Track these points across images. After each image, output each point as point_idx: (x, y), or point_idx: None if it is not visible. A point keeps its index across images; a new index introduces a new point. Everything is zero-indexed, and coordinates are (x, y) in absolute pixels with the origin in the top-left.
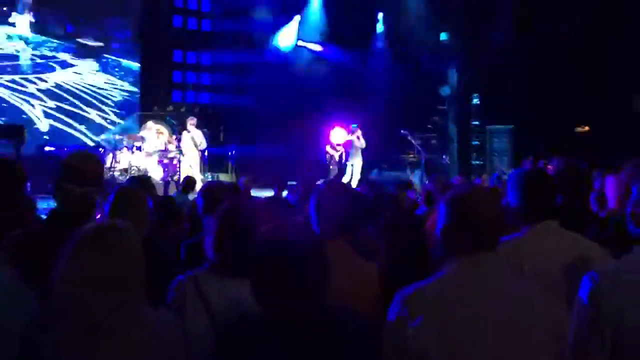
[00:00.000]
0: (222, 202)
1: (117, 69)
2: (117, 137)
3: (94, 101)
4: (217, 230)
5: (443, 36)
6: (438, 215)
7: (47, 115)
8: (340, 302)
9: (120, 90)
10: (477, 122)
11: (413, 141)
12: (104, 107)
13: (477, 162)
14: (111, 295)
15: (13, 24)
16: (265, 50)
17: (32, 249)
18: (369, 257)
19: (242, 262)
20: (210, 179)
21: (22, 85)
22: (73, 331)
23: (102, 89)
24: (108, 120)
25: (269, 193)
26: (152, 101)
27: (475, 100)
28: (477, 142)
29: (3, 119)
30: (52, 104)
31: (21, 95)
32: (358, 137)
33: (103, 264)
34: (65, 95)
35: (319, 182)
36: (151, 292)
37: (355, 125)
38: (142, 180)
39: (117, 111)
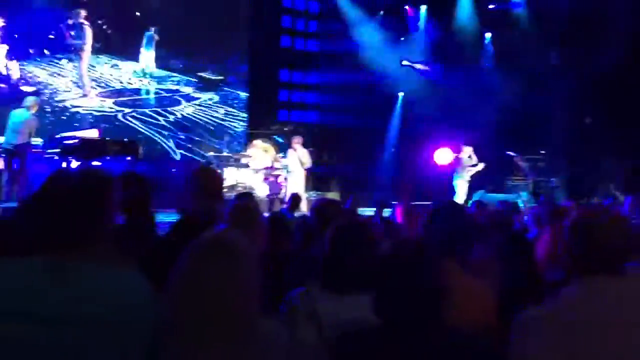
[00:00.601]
0: (334, 218)
1: (235, 101)
2: (225, 153)
3: (218, 131)
4: (330, 247)
5: (553, 57)
6: (561, 238)
7: (178, 145)
8: (454, 321)
9: (240, 120)
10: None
11: (520, 163)
12: (226, 137)
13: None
14: (230, 304)
15: (137, 59)
16: (370, 71)
17: (159, 257)
18: (480, 278)
19: (355, 279)
20: (313, 198)
21: (154, 118)
22: (189, 339)
23: (224, 120)
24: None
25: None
26: (258, 120)
27: (588, 122)
28: (586, 167)
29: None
30: (182, 135)
31: (154, 128)
32: (470, 156)
33: (222, 272)
34: (192, 126)
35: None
36: (265, 305)
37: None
38: (248, 197)
39: (240, 140)
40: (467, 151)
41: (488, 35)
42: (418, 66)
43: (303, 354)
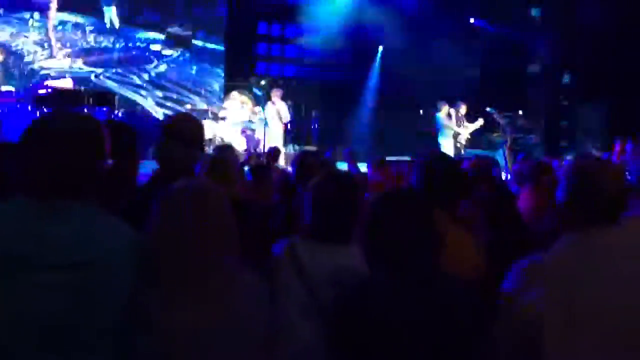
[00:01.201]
0: (315, 170)
1: (207, 55)
2: (205, 107)
3: (195, 87)
4: (315, 195)
5: (534, 12)
6: (559, 186)
7: (158, 104)
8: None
9: (216, 75)
10: (566, 103)
11: (499, 120)
12: (203, 91)
13: (564, 144)
14: (208, 249)
15: (101, 17)
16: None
17: (138, 206)
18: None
19: (340, 229)
20: (292, 152)
21: (128, 78)
22: (170, 286)
23: (198, 76)
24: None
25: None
26: (236, 72)
27: (566, 79)
28: (565, 122)
29: (122, 110)
30: (160, 93)
31: (131, 87)
32: (449, 115)
33: (197, 217)
34: (167, 85)
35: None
36: (245, 256)
37: (442, 101)
38: (227, 149)
39: (217, 96)
40: (445, 109)
41: None
42: None
43: (286, 301)
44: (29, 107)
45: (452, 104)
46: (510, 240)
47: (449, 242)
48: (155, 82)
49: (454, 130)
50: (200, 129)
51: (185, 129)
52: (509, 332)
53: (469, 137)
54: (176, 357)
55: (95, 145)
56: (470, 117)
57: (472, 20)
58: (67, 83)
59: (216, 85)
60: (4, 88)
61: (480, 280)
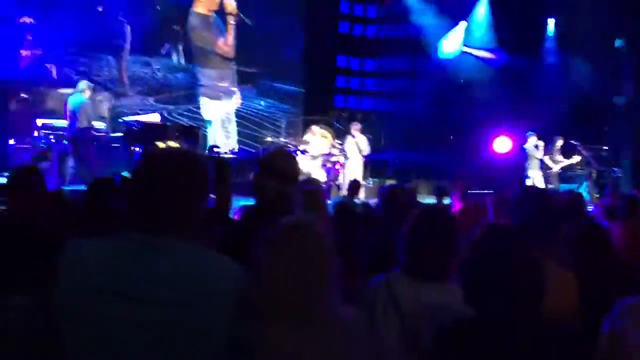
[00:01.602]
0: (404, 204)
1: (277, 92)
2: (283, 140)
3: (266, 124)
4: (411, 233)
5: (618, 42)
6: None
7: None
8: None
9: (282, 111)
10: None
11: (583, 152)
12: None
13: None
14: (311, 286)
15: (169, 56)
16: (429, 57)
17: (235, 242)
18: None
19: (437, 266)
20: (371, 185)
21: (199, 114)
22: (277, 319)
23: (269, 112)
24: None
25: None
26: (315, 106)
27: None
28: None
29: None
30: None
31: (203, 123)
32: (536, 146)
33: (304, 254)
34: (238, 119)
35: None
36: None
37: (531, 132)
38: (314, 183)
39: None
40: (532, 140)
41: (551, 20)
42: (478, 52)
43: (385, 340)
44: (117, 144)
45: (547, 137)
46: (608, 279)
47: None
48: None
49: (540, 162)
50: (295, 164)
51: (281, 164)
52: None
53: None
54: None
55: (200, 182)
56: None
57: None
58: (154, 118)
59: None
60: (96, 124)
61: (576, 319)
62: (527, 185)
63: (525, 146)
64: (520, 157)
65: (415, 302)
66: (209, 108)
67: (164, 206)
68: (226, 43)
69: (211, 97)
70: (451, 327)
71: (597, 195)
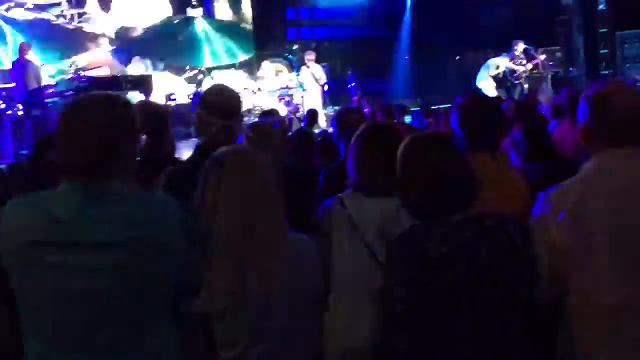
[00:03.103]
0: (357, 126)
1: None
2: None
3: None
4: (359, 150)
5: None
6: (578, 114)
7: None
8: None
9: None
10: (604, 30)
11: (537, 55)
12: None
13: (606, 72)
14: (258, 212)
15: None
16: None
17: (184, 181)
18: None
19: (385, 180)
20: (331, 113)
21: None
22: (219, 252)
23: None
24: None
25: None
26: (267, 41)
27: (602, 6)
28: (605, 51)
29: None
30: None
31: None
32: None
33: (245, 181)
34: None
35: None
36: (295, 219)
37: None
38: (274, 115)
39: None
40: (503, 61)
41: None
42: None
43: (339, 254)
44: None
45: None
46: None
47: (493, 181)
48: None
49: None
50: (233, 99)
51: (219, 100)
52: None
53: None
54: (241, 317)
55: (123, 124)
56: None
57: None
58: (104, 71)
59: None
60: (45, 83)
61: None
62: (472, 92)
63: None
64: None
65: (367, 218)
66: None
67: (86, 151)
68: None
69: None
70: (397, 238)
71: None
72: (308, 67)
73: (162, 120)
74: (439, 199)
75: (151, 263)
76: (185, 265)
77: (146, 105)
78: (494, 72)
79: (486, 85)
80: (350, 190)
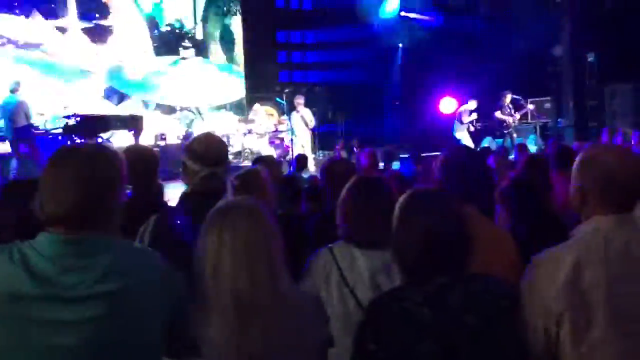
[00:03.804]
0: (344, 176)
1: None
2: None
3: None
4: (348, 203)
5: None
6: (572, 176)
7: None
8: (481, 270)
9: None
10: (593, 82)
11: (525, 105)
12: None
13: (595, 124)
14: (255, 270)
15: None
16: (368, 25)
17: (167, 232)
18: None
19: (373, 233)
20: (321, 157)
21: None
22: (221, 308)
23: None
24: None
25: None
26: (258, 83)
27: (591, 59)
28: (594, 102)
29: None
30: None
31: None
32: (471, 113)
33: (243, 238)
34: None
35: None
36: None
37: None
38: (267, 161)
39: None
40: (471, 105)
41: None
42: (416, 16)
43: (330, 308)
44: (60, 137)
45: (493, 94)
46: (539, 232)
47: (479, 237)
48: None
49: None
50: (218, 147)
51: (203, 148)
52: (530, 326)
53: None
54: None
55: (108, 176)
56: (495, 106)
57: None
58: (94, 110)
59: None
60: (35, 122)
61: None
62: (456, 145)
63: (462, 109)
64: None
65: (356, 270)
66: None
67: (72, 203)
68: None
69: None
70: (379, 296)
71: (543, 147)
72: (298, 111)
73: (149, 167)
74: (431, 259)
75: (133, 316)
76: (172, 320)
77: (134, 152)
78: (467, 120)
79: (462, 135)
80: (341, 242)
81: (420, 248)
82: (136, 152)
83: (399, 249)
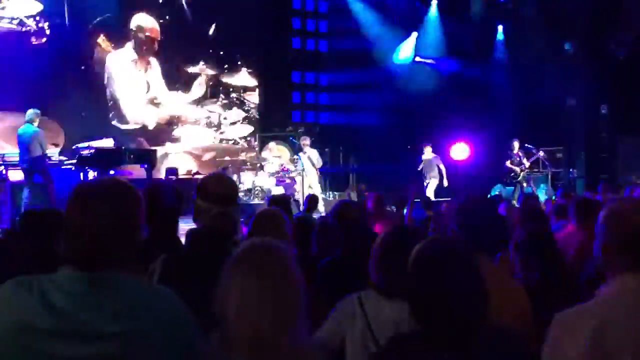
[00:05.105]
0: (355, 221)
1: None
2: (242, 158)
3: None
4: (380, 252)
5: (567, 46)
6: (597, 232)
7: None
8: (493, 320)
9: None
10: (604, 134)
11: (538, 155)
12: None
13: (605, 176)
14: (281, 317)
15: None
16: (383, 69)
17: (180, 270)
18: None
19: (403, 283)
20: (330, 198)
21: None
22: (240, 350)
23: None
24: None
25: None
26: (272, 122)
27: (604, 111)
28: (605, 155)
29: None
30: None
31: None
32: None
33: (270, 283)
34: None
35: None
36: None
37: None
38: (281, 201)
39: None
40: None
41: (500, 27)
42: (431, 62)
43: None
44: (73, 168)
45: (503, 141)
46: (553, 287)
47: (494, 289)
48: None
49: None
50: (228, 186)
51: (214, 188)
52: None
53: (525, 172)
54: None
55: (128, 214)
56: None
57: None
58: (108, 143)
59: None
60: (50, 152)
61: (527, 330)
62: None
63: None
64: (480, 161)
65: (382, 319)
66: None
67: (92, 241)
68: None
69: None
70: (393, 341)
71: (554, 197)
72: (305, 152)
73: (168, 205)
74: (446, 314)
75: (145, 356)
76: None
77: (154, 189)
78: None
79: (431, 181)
80: (370, 290)
81: (437, 304)
82: (155, 189)
83: (416, 302)
